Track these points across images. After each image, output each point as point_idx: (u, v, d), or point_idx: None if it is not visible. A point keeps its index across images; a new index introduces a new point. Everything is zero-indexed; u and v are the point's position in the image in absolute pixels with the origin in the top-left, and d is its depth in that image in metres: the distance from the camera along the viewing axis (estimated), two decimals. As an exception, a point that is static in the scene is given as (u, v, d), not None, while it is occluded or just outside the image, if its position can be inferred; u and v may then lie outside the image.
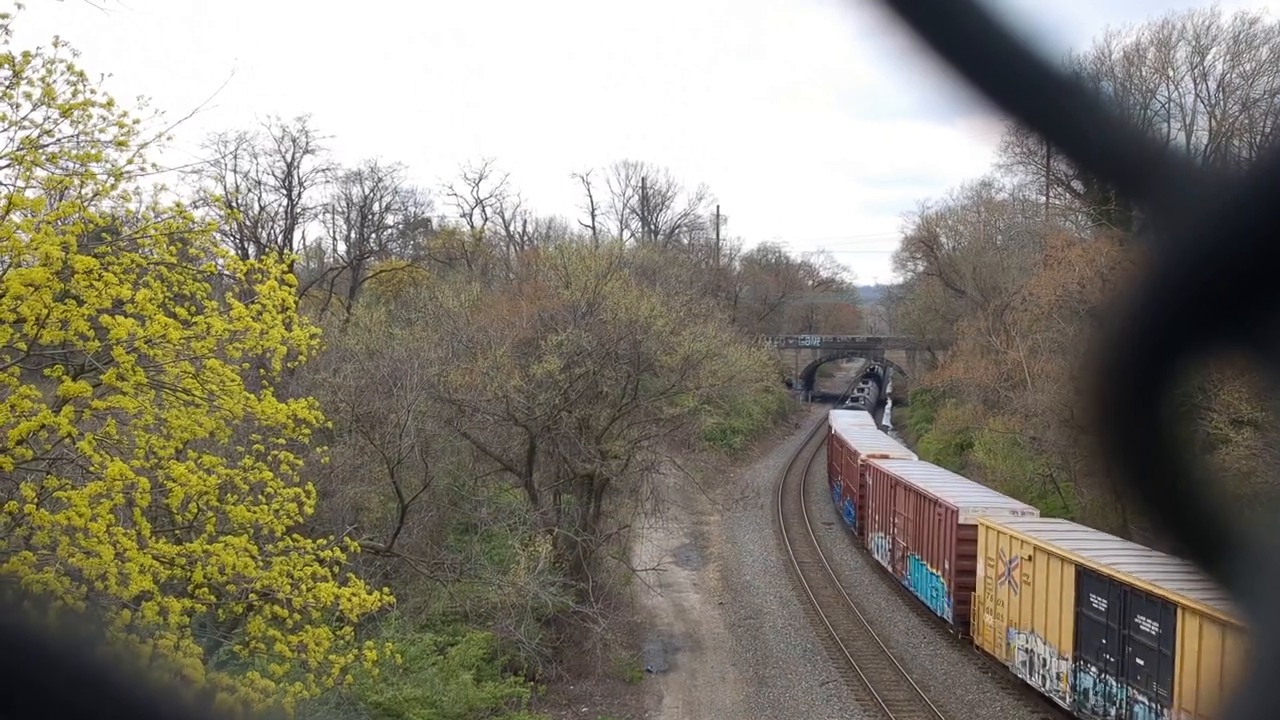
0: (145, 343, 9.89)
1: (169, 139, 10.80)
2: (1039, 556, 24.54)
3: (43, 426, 9.37)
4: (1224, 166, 0.65)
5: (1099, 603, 21.96)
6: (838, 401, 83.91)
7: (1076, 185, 54.82)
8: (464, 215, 78.24)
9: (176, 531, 11.53)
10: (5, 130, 10.01)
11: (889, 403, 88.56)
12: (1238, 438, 24.61)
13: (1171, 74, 52.12)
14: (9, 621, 0.61)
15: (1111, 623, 21.45)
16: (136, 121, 10.40)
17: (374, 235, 67.94)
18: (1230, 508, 0.68)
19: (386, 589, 12.56)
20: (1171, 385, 0.65)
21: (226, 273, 12.92)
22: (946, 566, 30.01)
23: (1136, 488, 0.68)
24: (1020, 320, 44.94)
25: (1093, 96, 0.68)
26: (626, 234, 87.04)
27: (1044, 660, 24.37)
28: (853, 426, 53.29)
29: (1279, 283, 0.60)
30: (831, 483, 52.60)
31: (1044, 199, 60.14)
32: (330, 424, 14.44)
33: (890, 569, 36.54)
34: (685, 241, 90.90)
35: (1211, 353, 0.65)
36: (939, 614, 31.06)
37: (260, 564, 11.05)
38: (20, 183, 10.10)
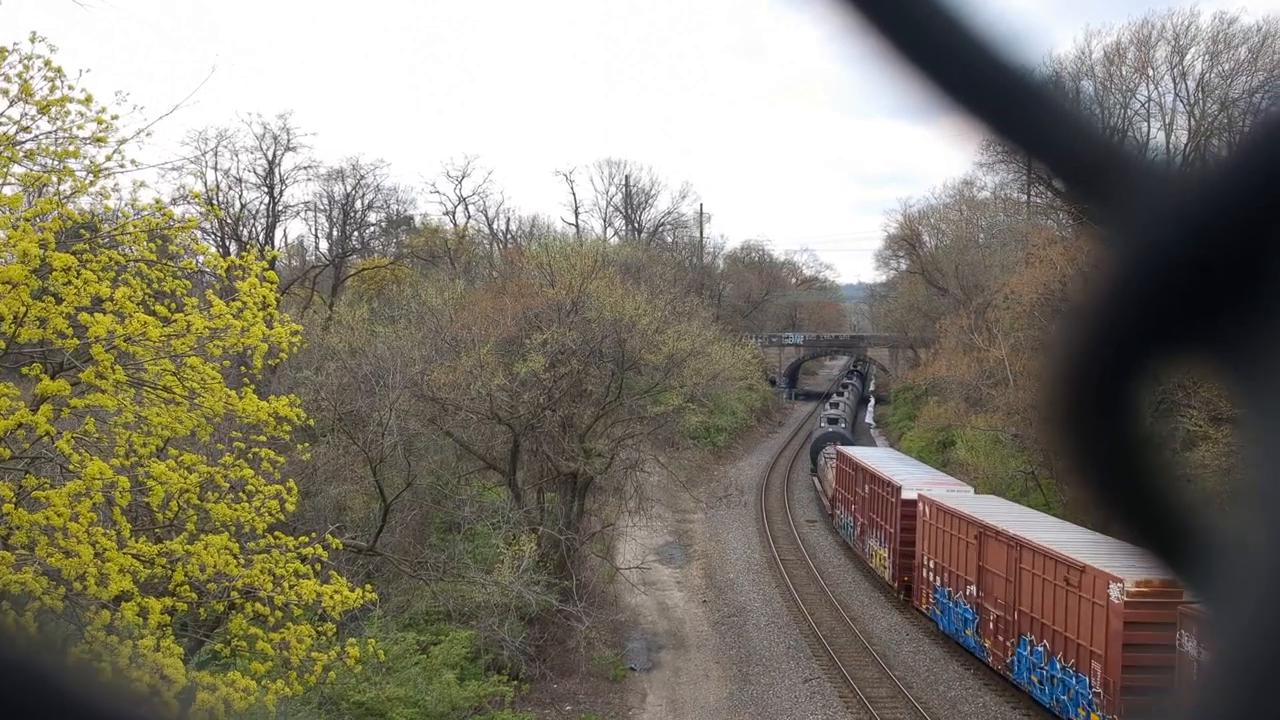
0: (124, 340, 9.82)
1: (148, 135, 10.74)
2: None
3: (20, 425, 9.30)
4: (1191, 168, 0.66)
5: None
6: (822, 399, 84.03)
7: (1058, 184, 55.02)
8: (447, 213, 78.10)
9: (157, 530, 11.47)
10: (-18, 126, 9.93)
11: (872, 400, 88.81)
12: (1217, 434, 24.79)
13: (1151, 73, 52.44)
14: None
15: None
16: (115, 118, 10.34)
17: (356, 233, 67.72)
18: (1201, 506, 0.68)
19: (369, 586, 12.53)
20: (1137, 388, 0.65)
21: (207, 270, 12.85)
22: None
23: (1103, 491, 0.68)
24: (1002, 318, 45.16)
25: (1058, 101, 0.68)
26: (610, 232, 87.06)
27: None
28: (936, 485, 33.66)
29: (1243, 284, 0.60)
30: (915, 588, 31.63)
31: (1026, 197, 60.44)
32: (312, 422, 14.39)
33: None
34: (669, 240, 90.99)
35: (1178, 355, 0.65)
36: None
37: (242, 562, 11.00)
38: (-3, 179, 10.02)
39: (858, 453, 42.97)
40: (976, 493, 33.38)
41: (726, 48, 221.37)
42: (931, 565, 29.93)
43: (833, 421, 59.85)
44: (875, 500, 35.63)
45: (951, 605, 28.45)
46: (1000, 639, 25.29)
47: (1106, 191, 0.67)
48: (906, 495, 32.30)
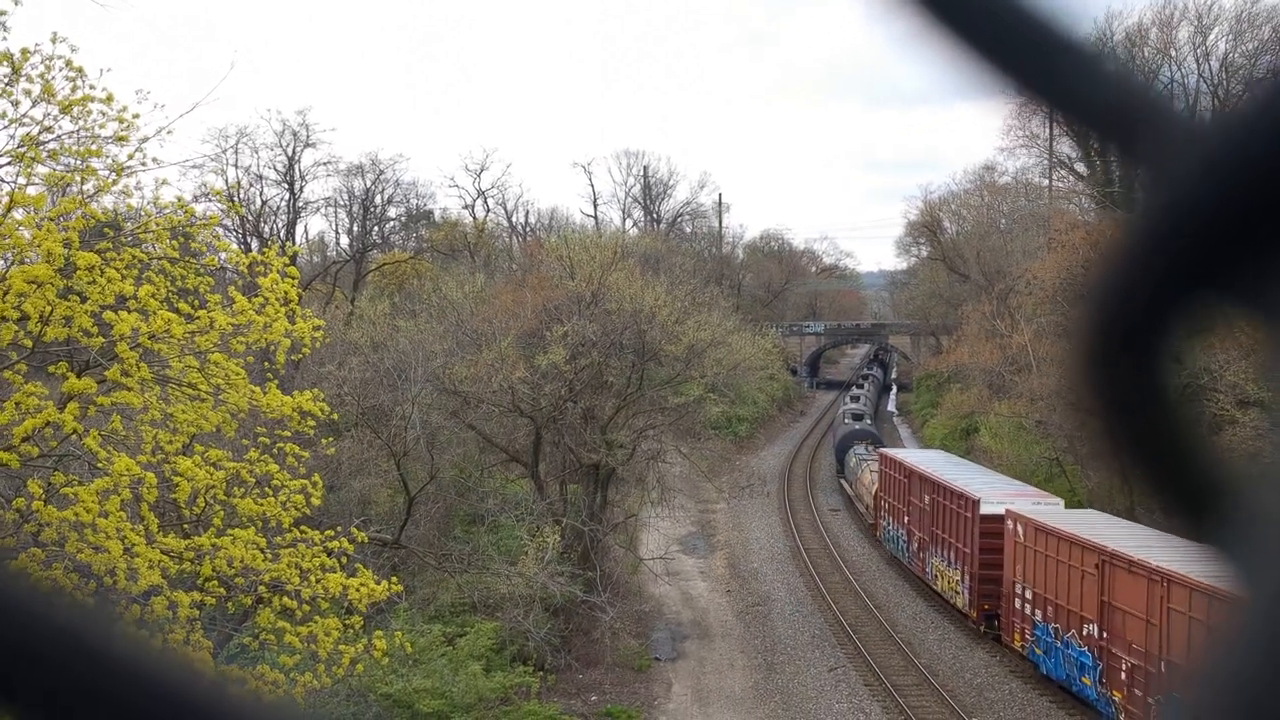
0: (149, 338, 9.90)
1: (169, 134, 10.81)
2: None
3: (48, 423, 9.39)
4: (1220, 117, 0.65)
5: None
6: (843, 388, 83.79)
7: (1079, 168, 54.70)
8: (466, 207, 78.29)
9: (184, 525, 11.58)
10: (5, 127, 10.02)
11: (894, 388, 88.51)
12: (1243, 418, 24.58)
13: (1174, 54, 51.89)
14: (27, 605, 0.61)
15: None
16: (136, 116, 10.41)
17: (376, 228, 67.93)
18: (1237, 485, 0.67)
19: (395, 578, 12.60)
20: (1169, 337, 0.65)
21: (229, 266, 12.94)
22: None
23: (1140, 462, 0.67)
24: (1024, 304, 44.87)
25: (1088, 51, 0.68)
26: (629, 223, 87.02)
27: None
28: (1019, 497, 28.87)
29: (1272, 233, 0.60)
30: (1005, 620, 27.20)
31: (1047, 182, 59.99)
32: (336, 416, 14.47)
33: None
34: (688, 230, 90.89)
35: (1207, 308, 0.64)
36: None
37: (269, 556, 11.08)
38: (22, 180, 10.11)
39: (909, 457, 37.97)
40: (1066, 506, 28.65)
41: (723, 46, 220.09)
42: (1028, 596, 25.50)
43: (857, 418, 56.29)
44: (941, 513, 31.28)
45: (1060, 646, 23.90)
46: (1138, 694, 20.77)
47: (1138, 139, 0.66)
48: (988, 510, 28.04)
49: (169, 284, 10.61)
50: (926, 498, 32.85)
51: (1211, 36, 51.20)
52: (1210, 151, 0.61)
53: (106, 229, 10.64)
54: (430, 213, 75.68)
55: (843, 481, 49.33)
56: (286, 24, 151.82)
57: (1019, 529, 26.21)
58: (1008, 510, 27.22)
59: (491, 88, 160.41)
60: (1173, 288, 0.63)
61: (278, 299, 11.03)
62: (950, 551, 30.49)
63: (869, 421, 57.34)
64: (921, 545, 33.31)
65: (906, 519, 35.02)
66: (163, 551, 10.05)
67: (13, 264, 9.95)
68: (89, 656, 0.58)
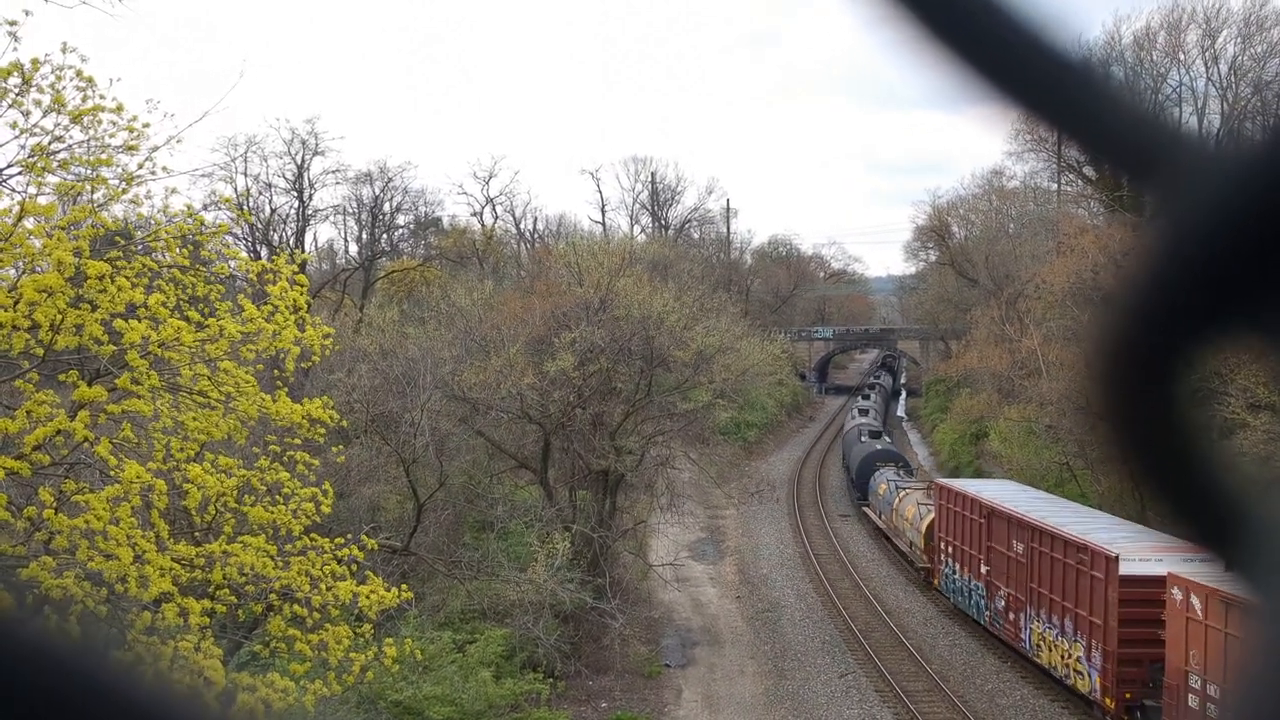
0: (159, 346, 9.92)
1: (179, 142, 10.85)
2: None
3: (59, 432, 9.42)
4: (1232, 147, 0.65)
5: None
6: (852, 393, 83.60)
7: (1088, 171, 54.59)
8: (474, 214, 78.34)
9: (195, 533, 11.59)
10: (17, 137, 10.07)
11: (903, 393, 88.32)
12: (1255, 422, 24.47)
13: (1182, 58, 51.78)
14: (21, 631, 0.61)
15: None
16: (146, 125, 10.45)
17: (385, 235, 68.07)
18: (1246, 491, 0.67)
19: (404, 585, 12.60)
20: (1183, 369, 0.65)
21: (239, 275, 12.98)
22: None
23: (1151, 474, 0.67)
24: (1034, 308, 44.78)
25: (1102, 82, 0.68)
26: (637, 229, 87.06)
27: None
28: (1165, 552, 22.29)
29: None
30: None
31: (1056, 186, 59.86)
32: (345, 424, 14.49)
33: None
34: (696, 236, 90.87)
35: (1224, 335, 0.64)
36: None
37: (279, 564, 11.09)
38: (32, 189, 10.15)
39: (983, 491, 31.79)
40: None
41: (724, 48, 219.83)
42: (1213, 693, 19.64)
43: (875, 435, 51.87)
44: (1045, 566, 25.70)
45: None
46: None
47: (1157, 174, 0.66)
48: (1132, 569, 22.10)
49: (179, 292, 10.65)
50: (1019, 545, 27.31)
51: (1220, 39, 51.11)
52: (1227, 184, 0.61)
53: (117, 237, 10.68)
54: (438, 220, 75.90)
55: (865, 509, 44.83)
56: (288, 26, 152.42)
57: (1194, 601, 20.06)
58: (1172, 575, 20.77)
59: (494, 92, 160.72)
60: (1193, 317, 0.63)
61: (287, 307, 11.06)
62: (1064, 618, 24.58)
63: (889, 440, 53.48)
64: (1013, 604, 27.58)
65: (984, 569, 29.33)
66: (173, 559, 10.07)
67: (24, 273, 9.99)
68: (87, 688, 0.58)
